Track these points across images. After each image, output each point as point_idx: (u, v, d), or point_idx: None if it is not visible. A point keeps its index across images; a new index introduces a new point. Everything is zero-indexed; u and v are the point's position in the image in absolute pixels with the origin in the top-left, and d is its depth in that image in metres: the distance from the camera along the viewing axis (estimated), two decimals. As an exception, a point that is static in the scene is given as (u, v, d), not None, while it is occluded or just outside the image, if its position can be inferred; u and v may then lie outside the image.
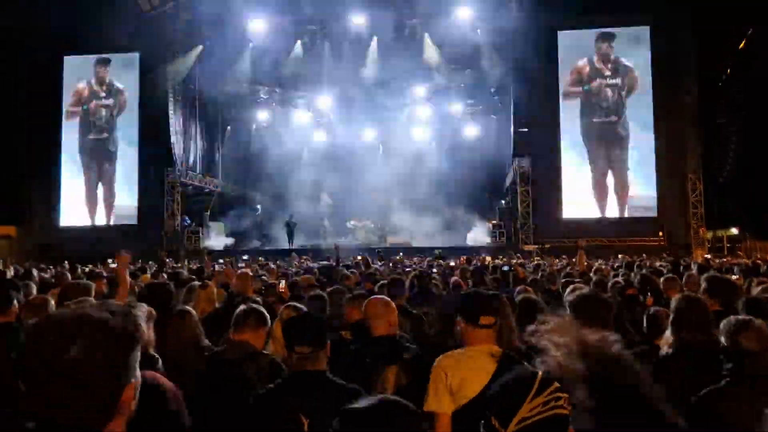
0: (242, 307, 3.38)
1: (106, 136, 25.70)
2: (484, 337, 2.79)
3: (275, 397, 2.55)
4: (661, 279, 5.71)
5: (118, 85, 25.80)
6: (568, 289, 4.50)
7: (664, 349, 3.24)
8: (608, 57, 23.27)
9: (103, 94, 25.88)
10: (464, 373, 2.65)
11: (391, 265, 12.65)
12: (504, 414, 2.28)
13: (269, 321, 3.43)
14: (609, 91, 23.15)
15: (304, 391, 2.50)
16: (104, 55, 25.82)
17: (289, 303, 4.39)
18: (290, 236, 25.02)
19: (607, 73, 23.23)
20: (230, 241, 25.79)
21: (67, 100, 25.98)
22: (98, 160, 25.65)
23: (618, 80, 23.15)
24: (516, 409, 2.25)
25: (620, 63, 23.17)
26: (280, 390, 2.58)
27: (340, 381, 2.61)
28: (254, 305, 3.47)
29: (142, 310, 1.33)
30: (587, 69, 23.36)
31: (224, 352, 3.22)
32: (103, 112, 25.80)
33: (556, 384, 2.32)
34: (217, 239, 25.53)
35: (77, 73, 26.06)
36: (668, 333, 3.29)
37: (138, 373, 1.24)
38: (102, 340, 1.16)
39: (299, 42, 25.49)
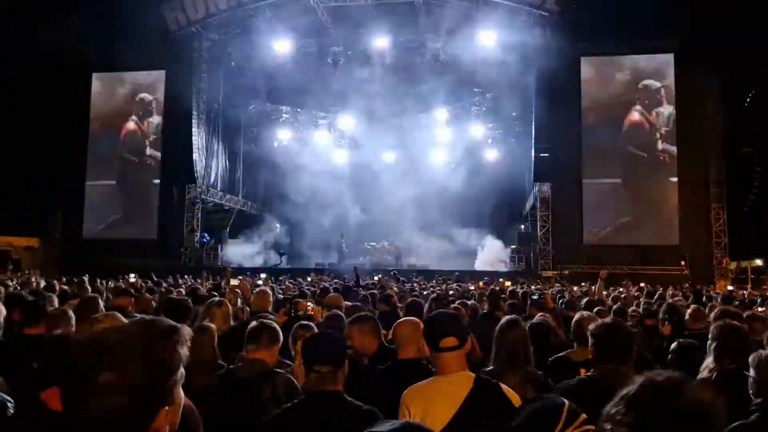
0: (254, 324, 3.36)
1: (131, 151, 26.11)
2: (451, 361, 2.58)
3: (292, 418, 2.51)
4: (688, 310, 5.60)
5: (144, 100, 26.27)
6: (577, 315, 4.41)
7: (704, 373, 3.20)
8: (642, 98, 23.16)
9: (131, 113, 26.35)
10: (427, 404, 2.48)
11: (407, 287, 12.57)
12: None
13: (282, 338, 3.41)
14: (642, 129, 22.98)
15: (321, 412, 2.45)
16: (131, 73, 26.34)
17: (302, 323, 4.37)
18: (340, 254, 25.29)
19: (638, 110, 23.09)
20: (253, 257, 25.91)
21: (95, 116, 26.49)
22: (121, 175, 26.04)
23: (653, 119, 22.99)
24: None
25: (653, 100, 23.04)
26: (296, 410, 2.53)
27: (357, 402, 2.55)
28: (267, 322, 3.45)
29: (185, 332, 1.28)
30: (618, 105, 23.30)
31: (238, 370, 3.19)
32: (130, 128, 26.25)
33: (584, 416, 2.27)
34: (235, 256, 25.65)
35: (105, 90, 26.62)
36: (709, 360, 3.25)
37: (177, 397, 1.21)
38: (137, 365, 1.13)
39: (322, 63, 25.77)
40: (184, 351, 1.23)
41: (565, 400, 2.28)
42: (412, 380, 2.73)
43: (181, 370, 1.22)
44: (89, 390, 1.10)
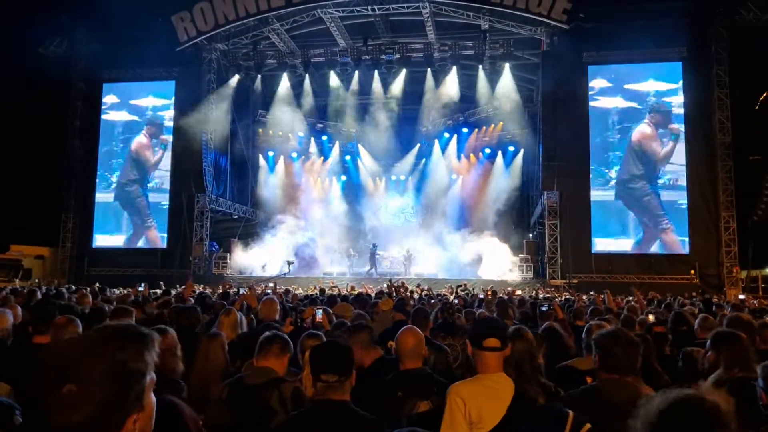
0: (266, 333, 3.36)
1: (140, 161, 26.29)
2: (493, 362, 2.76)
3: (298, 427, 2.50)
4: (697, 319, 5.55)
5: (154, 110, 26.48)
6: (587, 324, 4.41)
7: (709, 381, 3.21)
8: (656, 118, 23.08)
9: (141, 123, 26.57)
10: (482, 402, 2.60)
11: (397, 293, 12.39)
12: None
13: (293, 348, 3.41)
14: (650, 137, 22.89)
15: (327, 421, 2.44)
16: (142, 83, 26.58)
17: (311, 332, 4.37)
18: (373, 263, 25.48)
19: (646, 118, 23.03)
20: (261, 266, 26.01)
21: (105, 126, 26.72)
22: (132, 184, 26.21)
23: (662, 126, 22.90)
24: None
25: (661, 108, 22.95)
26: (302, 419, 2.52)
27: (363, 412, 2.54)
28: (278, 332, 3.46)
29: (153, 338, 1.25)
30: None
31: (246, 378, 3.18)
32: (140, 138, 26.45)
33: (588, 425, 2.27)
34: (243, 265, 25.75)
35: (116, 101, 26.84)
36: (721, 371, 3.24)
37: (147, 404, 1.18)
38: (101, 374, 1.10)
39: (332, 74, 25.93)
40: (152, 357, 1.20)
41: (570, 411, 2.29)
42: (424, 390, 2.81)
43: (151, 375, 1.19)
44: (53, 402, 1.07)
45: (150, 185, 26.14)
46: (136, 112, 26.67)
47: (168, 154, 26.08)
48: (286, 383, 3.13)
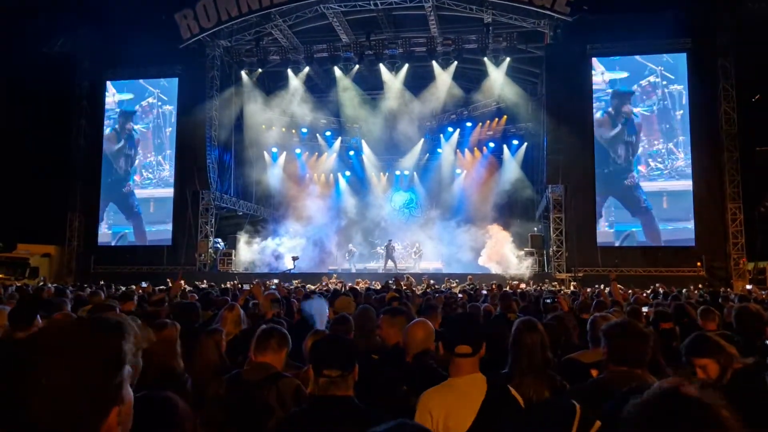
0: (263, 328, 3.33)
1: (145, 158, 26.32)
2: (465, 366, 2.69)
3: (300, 424, 2.45)
4: (698, 311, 5.49)
5: (157, 107, 26.49)
6: (592, 317, 4.35)
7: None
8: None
9: (145, 120, 26.59)
10: (452, 409, 2.54)
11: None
12: None
13: (290, 343, 3.38)
14: (655, 129, 22.75)
15: (330, 418, 2.37)
16: (145, 81, 26.59)
17: (317, 328, 4.35)
18: (391, 259, 25.46)
19: (651, 110, 22.86)
20: (266, 262, 26.05)
21: (109, 124, 26.75)
22: (136, 182, 26.25)
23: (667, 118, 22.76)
24: None
25: (666, 99, 22.77)
26: (305, 415, 2.47)
27: (367, 408, 2.49)
28: (276, 326, 3.42)
29: (130, 327, 1.20)
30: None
31: (244, 374, 3.15)
32: (144, 136, 26.47)
33: (598, 423, 2.21)
34: (248, 261, 25.79)
35: (119, 98, 26.86)
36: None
37: (126, 396, 1.14)
38: (81, 364, 1.07)
39: (335, 69, 25.84)
40: (130, 347, 1.15)
41: (577, 407, 2.24)
42: (424, 384, 2.75)
43: (128, 367, 1.15)
44: (31, 394, 1.03)
45: (154, 181, 26.15)
46: (140, 110, 26.67)
47: (172, 150, 26.08)
48: (285, 379, 3.09)
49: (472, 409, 2.51)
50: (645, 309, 6.53)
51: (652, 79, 22.85)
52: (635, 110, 22.86)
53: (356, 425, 2.21)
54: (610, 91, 23.07)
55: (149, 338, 1.35)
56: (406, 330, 3.35)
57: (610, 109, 22.96)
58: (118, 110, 26.77)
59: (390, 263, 25.31)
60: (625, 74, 23.03)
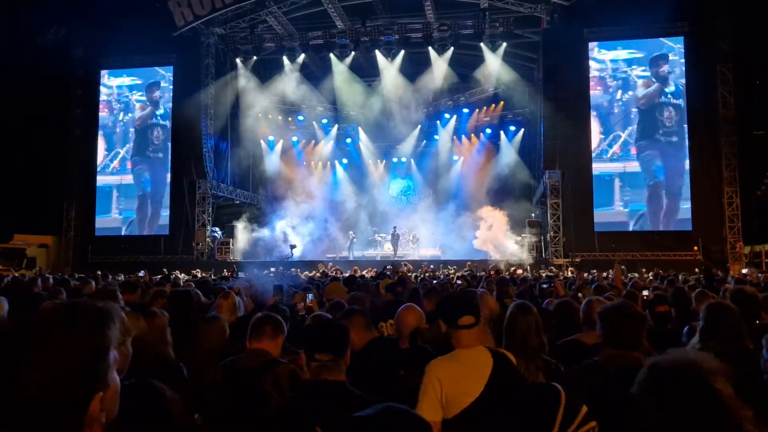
0: (258, 314, 3.32)
1: (140, 148, 26.22)
2: (471, 338, 2.69)
3: (291, 410, 2.45)
4: (693, 293, 5.50)
5: (152, 96, 26.35)
6: (586, 299, 4.36)
7: None
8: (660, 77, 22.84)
9: (140, 110, 26.46)
10: (460, 379, 2.54)
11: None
12: None
13: (286, 329, 3.37)
14: (652, 115, 22.73)
15: (322, 403, 2.37)
16: (140, 69, 26.43)
17: (318, 313, 4.35)
18: (395, 247, 25.36)
19: (648, 94, 22.81)
20: (264, 250, 26.05)
21: (104, 113, 26.63)
22: (132, 171, 26.19)
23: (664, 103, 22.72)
24: None
25: (663, 84, 22.74)
26: (296, 401, 2.48)
27: (359, 392, 2.49)
28: (271, 313, 3.41)
29: (115, 314, 1.20)
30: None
31: (240, 361, 3.14)
32: (139, 125, 26.36)
33: (584, 409, 2.21)
34: (246, 250, 25.81)
35: (114, 87, 26.73)
36: (694, 340, 3.17)
37: (111, 383, 1.14)
38: (61, 351, 1.06)
39: (331, 56, 25.65)
40: (115, 333, 1.15)
41: (561, 392, 2.23)
42: (418, 366, 2.74)
43: (113, 353, 1.14)
44: (10, 380, 1.03)
45: (150, 170, 26.06)
46: (135, 98, 26.53)
47: (168, 139, 25.99)
48: (281, 365, 3.09)
49: (479, 380, 2.52)
50: (645, 293, 6.55)
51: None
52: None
53: (347, 409, 2.21)
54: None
55: (138, 326, 1.34)
56: (397, 316, 3.35)
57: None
58: (114, 99, 26.64)
59: (399, 250, 25.24)
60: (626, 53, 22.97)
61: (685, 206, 22.13)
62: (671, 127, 22.53)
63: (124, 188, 26.16)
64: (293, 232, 26.63)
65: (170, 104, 25.98)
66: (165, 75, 26.23)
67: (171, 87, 26.07)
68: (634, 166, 22.73)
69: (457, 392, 2.49)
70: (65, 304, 1.19)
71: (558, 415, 2.10)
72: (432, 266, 19.23)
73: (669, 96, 22.66)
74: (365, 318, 3.58)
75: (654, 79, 22.78)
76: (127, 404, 1.19)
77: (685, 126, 22.37)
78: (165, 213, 25.65)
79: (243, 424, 2.77)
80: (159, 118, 26.20)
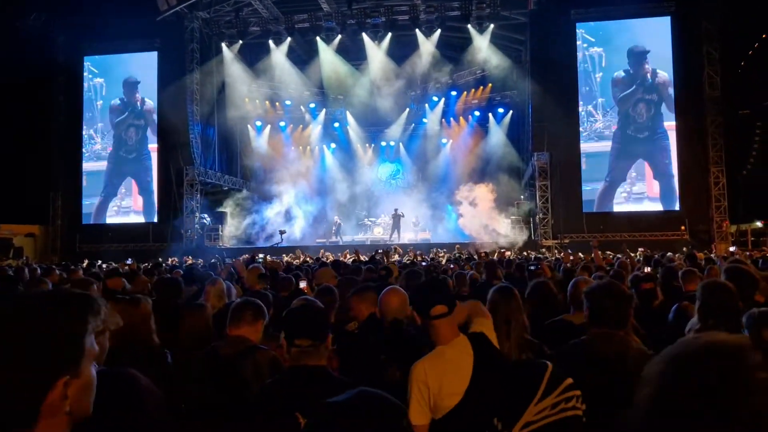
0: (237, 301, 3.29)
1: (126, 135, 25.97)
2: (447, 330, 2.57)
3: (271, 395, 2.42)
4: (680, 273, 5.53)
5: (137, 82, 26.05)
6: (574, 279, 4.37)
7: (690, 335, 3.13)
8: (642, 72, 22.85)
9: (124, 96, 26.16)
10: (443, 377, 2.46)
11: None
12: (507, 417, 2.16)
13: (267, 314, 3.34)
14: (643, 106, 22.71)
15: (303, 388, 2.35)
16: (123, 55, 26.08)
17: (305, 296, 4.33)
18: (396, 229, 25.29)
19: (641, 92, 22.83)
20: (254, 236, 25.99)
21: (88, 100, 26.30)
22: (118, 159, 25.95)
23: (653, 96, 22.73)
24: (520, 413, 2.14)
25: (650, 64, 22.74)
26: (276, 387, 2.45)
27: (340, 377, 2.48)
28: (251, 298, 3.38)
29: (95, 302, 1.18)
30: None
31: (219, 348, 3.11)
32: (124, 112, 26.08)
33: (569, 380, 2.20)
34: (235, 236, 25.73)
35: (97, 74, 26.38)
36: (695, 319, 3.18)
37: (85, 373, 1.11)
38: (15, 336, 1.04)
39: (318, 39, 25.40)
40: (93, 322, 1.13)
41: (549, 365, 2.22)
42: (399, 350, 2.71)
43: (89, 340, 1.12)
44: None
45: (136, 157, 25.84)
46: (119, 85, 26.21)
47: (154, 126, 25.74)
48: (261, 351, 3.06)
49: (464, 375, 2.46)
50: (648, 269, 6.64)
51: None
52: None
53: (327, 394, 2.19)
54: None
55: (115, 322, 1.32)
56: (380, 299, 3.32)
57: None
58: (97, 85, 26.31)
59: (395, 234, 25.19)
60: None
61: (672, 186, 22.27)
62: (654, 115, 22.66)
63: (108, 174, 25.94)
64: (282, 218, 26.53)
65: (155, 90, 25.67)
66: (148, 59, 25.88)
67: (156, 73, 25.73)
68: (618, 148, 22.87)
69: (444, 395, 2.44)
70: (47, 290, 1.17)
71: (541, 385, 2.10)
72: (419, 251, 19.18)
73: (654, 80, 22.70)
74: (378, 295, 3.54)
75: (632, 70, 22.78)
76: (100, 393, 1.16)
77: (672, 104, 22.44)
78: (152, 200, 25.49)
79: (223, 411, 2.75)
80: (134, 117, 25.92)
